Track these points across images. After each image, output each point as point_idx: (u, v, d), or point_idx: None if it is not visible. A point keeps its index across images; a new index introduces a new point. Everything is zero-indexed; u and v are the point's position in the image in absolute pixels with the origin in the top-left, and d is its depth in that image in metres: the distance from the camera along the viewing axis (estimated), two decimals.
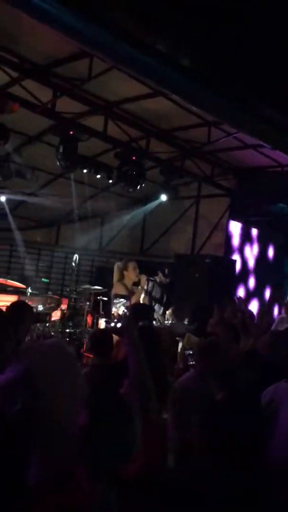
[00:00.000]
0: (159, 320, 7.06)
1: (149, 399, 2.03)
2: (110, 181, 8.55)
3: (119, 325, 1.95)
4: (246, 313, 6.16)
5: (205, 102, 4.52)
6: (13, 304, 3.88)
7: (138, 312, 4.68)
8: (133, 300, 6.11)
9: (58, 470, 2.20)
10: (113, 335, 4.21)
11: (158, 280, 7.25)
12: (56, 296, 9.14)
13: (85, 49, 5.23)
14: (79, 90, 6.85)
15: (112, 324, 1.89)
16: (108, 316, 6.30)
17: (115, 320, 1.86)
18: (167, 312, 7.50)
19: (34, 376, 2.29)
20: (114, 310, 1.88)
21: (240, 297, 6.80)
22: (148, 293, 7.09)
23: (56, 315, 8.15)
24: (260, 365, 4.58)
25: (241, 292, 10.25)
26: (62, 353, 2.58)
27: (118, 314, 1.86)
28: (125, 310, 1.89)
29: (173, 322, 7.31)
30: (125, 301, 1.90)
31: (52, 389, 2.34)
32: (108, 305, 7.89)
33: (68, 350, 2.71)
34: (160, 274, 7.35)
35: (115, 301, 1.96)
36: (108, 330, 2.89)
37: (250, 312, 6.37)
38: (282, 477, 2.75)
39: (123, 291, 6.05)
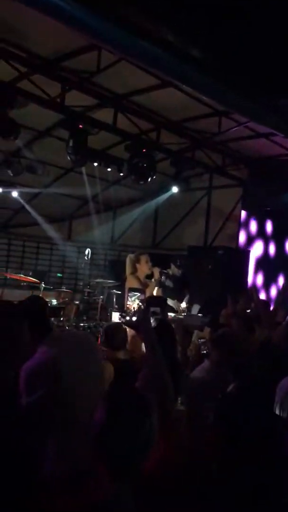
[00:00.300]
0: (173, 313, 7.05)
1: (166, 392, 2.03)
2: (121, 174, 8.51)
3: (134, 319, 1.95)
4: (260, 304, 6.13)
5: (215, 91, 4.46)
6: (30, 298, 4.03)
7: (153, 305, 4.66)
8: (147, 293, 6.10)
9: (75, 465, 2.21)
10: (127, 329, 4.22)
11: (171, 272, 7.21)
12: (69, 291, 9.18)
13: (93, 42, 5.19)
14: (88, 83, 6.81)
15: (128, 318, 1.89)
16: (122, 309, 6.30)
17: (130, 314, 1.85)
18: (181, 304, 7.48)
19: (58, 364, 2.32)
20: (129, 303, 1.87)
21: (253, 287, 6.75)
22: (161, 286, 7.07)
23: (70, 310, 8.19)
24: (274, 356, 4.55)
25: (255, 283, 10.18)
26: (88, 345, 2.60)
27: (133, 308, 1.85)
28: (140, 304, 1.88)
29: (187, 314, 7.30)
30: (139, 294, 1.89)
31: (74, 379, 2.35)
32: (121, 299, 7.89)
33: (94, 344, 2.72)
34: (172, 266, 7.31)
35: (129, 294, 1.94)
36: (123, 324, 2.87)
37: (264, 303, 6.34)
38: None
39: (136, 284, 6.04)
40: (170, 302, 7.42)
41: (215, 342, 3.59)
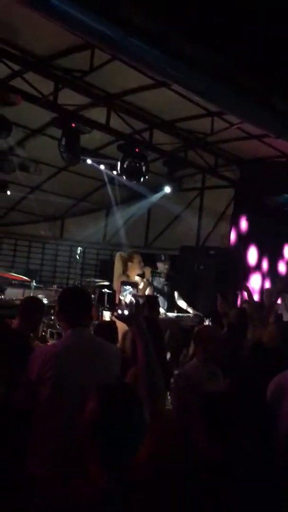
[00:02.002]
0: (164, 312, 7.06)
1: (156, 388, 2.04)
2: (114, 172, 8.51)
3: (126, 313, 1.96)
4: (253, 304, 6.16)
5: (207, 90, 4.48)
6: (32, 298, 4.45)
7: (152, 305, 4.70)
8: (139, 293, 6.10)
9: (66, 459, 2.22)
10: (119, 326, 4.23)
11: (159, 270, 7.20)
12: (61, 289, 9.15)
13: (87, 40, 5.19)
14: (81, 82, 6.81)
15: (120, 312, 1.89)
16: (113, 305, 6.24)
17: (122, 308, 1.84)
18: (179, 303, 7.50)
19: (59, 357, 2.36)
20: (121, 298, 1.86)
21: (246, 287, 6.77)
22: (151, 285, 7.07)
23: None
24: (266, 355, 4.58)
25: (248, 283, 10.21)
26: (92, 343, 2.63)
27: (125, 302, 1.85)
28: (132, 299, 1.88)
29: (179, 314, 7.31)
30: (131, 289, 1.90)
31: (70, 374, 2.38)
32: (113, 298, 7.88)
33: (99, 341, 2.74)
34: (159, 264, 7.27)
35: (124, 287, 1.94)
36: (114, 317, 2.88)
37: (258, 303, 6.37)
38: (285, 465, 2.75)
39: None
40: (180, 303, 7.45)
41: (195, 340, 3.62)
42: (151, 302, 4.74)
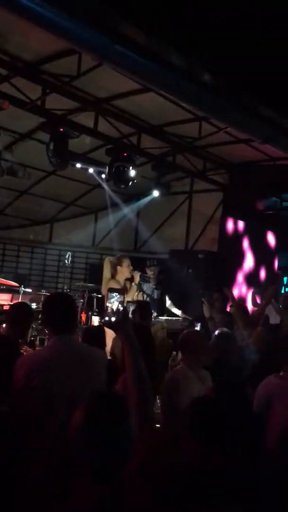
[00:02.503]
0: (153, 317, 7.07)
1: (146, 394, 2.04)
2: (103, 176, 8.50)
3: (113, 319, 1.96)
4: (236, 309, 6.20)
5: (193, 97, 4.51)
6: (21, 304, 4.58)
7: (144, 311, 4.69)
8: (128, 297, 6.09)
9: (58, 472, 2.21)
10: (108, 331, 4.23)
11: (147, 274, 7.22)
12: (49, 294, 9.10)
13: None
14: (69, 86, 6.82)
15: (107, 319, 1.89)
16: (101, 311, 6.22)
17: (110, 315, 1.84)
18: (168, 307, 7.52)
19: (44, 365, 2.36)
20: (108, 305, 1.86)
21: (228, 290, 6.82)
22: (141, 291, 7.08)
23: None
24: (253, 359, 4.61)
25: (230, 286, 10.26)
26: (78, 350, 2.62)
27: (112, 309, 1.84)
28: (119, 305, 1.88)
29: (168, 318, 7.33)
30: (119, 296, 1.89)
31: (57, 381, 2.38)
32: (102, 302, 7.86)
33: (85, 347, 2.73)
34: (147, 270, 7.28)
35: (112, 294, 1.94)
36: (102, 325, 2.88)
37: (241, 308, 6.42)
38: (275, 470, 2.76)
39: (116, 287, 6.03)
40: (169, 306, 7.48)
41: (180, 347, 3.64)
42: (143, 309, 4.74)
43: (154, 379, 2.98)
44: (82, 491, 1.57)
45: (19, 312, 3.79)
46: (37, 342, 6.29)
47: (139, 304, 4.96)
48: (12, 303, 7.15)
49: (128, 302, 5.06)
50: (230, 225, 10.53)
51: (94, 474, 1.57)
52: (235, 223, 10.62)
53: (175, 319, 7.44)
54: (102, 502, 1.52)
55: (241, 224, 10.73)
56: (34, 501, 2.01)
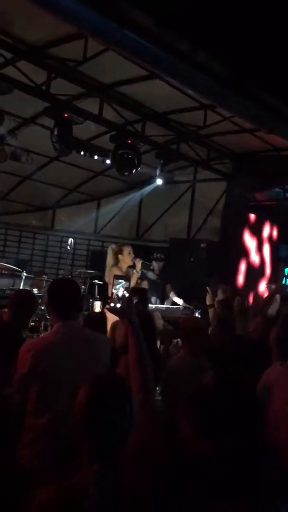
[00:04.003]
0: (153, 304, 7.11)
1: (147, 380, 2.07)
2: (108, 161, 8.47)
3: (118, 305, 1.99)
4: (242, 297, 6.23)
5: (200, 85, 4.48)
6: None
7: (139, 296, 4.72)
8: (131, 284, 6.12)
9: (57, 451, 2.24)
10: (108, 317, 4.25)
11: (152, 267, 7.27)
12: (51, 280, 9.13)
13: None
14: (74, 71, 6.77)
15: (112, 305, 1.91)
16: (106, 298, 6.25)
17: (115, 301, 1.86)
18: (170, 295, 7.56)
19: (49, 351, 2.38)
20: (114, 291, 1.87)
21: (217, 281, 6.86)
22: (143, 277, 7.11)
23: None
24: (253, 348, 4.63)
25: (238, 276, 10.28)
26: (82, 335, 2.65)
27: (117, 295, 1.87)
28: (125, 292, 1.90)
29: (169, 306, 7.38)
30: (124, 282, 1.90)
31: (62, 367, 2.41)
32: (103, 289, 7.89)
33: (89, 333, 2.77)
34: (153, 262, 7.35)
35: (117, 281, 1.94)
36: (107, 310, 2.91)
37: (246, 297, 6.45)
38: (275, 458, 2.79)
39: (120, 274, 6.06)
40: (171, 295, 7.52)
41: (180, 333, 3.66)
42: (140, 295, 4.76)
43: (155, 366, 3.00)
44: (83, 469, 1.61)
45: (21, 298, 3.82)
46: (42, 328, 6.34)
47: (135, 290, 4.99)
48: (15, 289, 7.19)
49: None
50: (232, 215, 10.50)
51: (95, 452, 1.62)
52: (238, 213, 10.59)
53: (176, 307, 7.47)
54: (101, 478, 1.56)
55: (243, 214, 10.70)
56: (36, 480, 2.05)
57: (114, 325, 3.89)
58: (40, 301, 6.81)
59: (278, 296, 6.94)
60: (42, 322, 6.48)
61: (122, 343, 3.00)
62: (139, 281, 6.80)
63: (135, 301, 3.93)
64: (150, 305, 6.82)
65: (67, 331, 2.60)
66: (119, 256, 6.29)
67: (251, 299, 6.49)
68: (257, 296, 7.51)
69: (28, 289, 7.09)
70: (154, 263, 7.30)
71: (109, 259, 6.31)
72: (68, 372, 2.44)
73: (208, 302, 6.41)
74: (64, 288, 2.79)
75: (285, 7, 3.80)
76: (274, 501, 2.18)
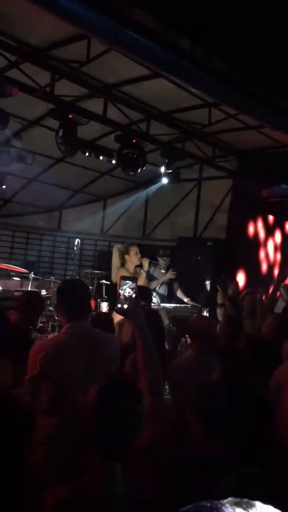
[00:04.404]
0: (158, 302, 7.11)
1: (156, 380, 2.07)
2: (113, 161, 8.47)
3: (125, 306, 2.00)
4: (256, 295, 6.19)
5: (205, 84, 4.47)
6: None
7: (143, 295, 4.71)
8: (138, 283, 6.11)
9: (69, 450, 2.25)
10: (114, 316, 4.26)
11: (158, 264, 7.27)
12: (58, 281, 9.17)
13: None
14: (78, 72, 6.78)
15: (119, 305, 1.92)
16: (110, 296, 6.25)
17: (122, 302, 1.86)
18: (177, 294, 7.55)
19: (60, 351, 2.39)
20: (121, 292, 1.87)
21: (225, 280, 6.83)
22: (150, 277, 7.11)
23: None
24: (264, 347, 4.61)
25: (242, 275, 10.25)
26: (92, 335, 2.66)
27: (125, 296, 1.87)
28: (132, 292, 1.90)
29: (177, 305, 7.36)
30: (131, 283, 1.90)
31: (72, 368, 2.41)
32: (110, 290, 7.91)
33: (99, 333, 2.78)
34: (159, 259, 7.34)
35: (125, 281, 1.94)
36: (114, 311, 2.91)
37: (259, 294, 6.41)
38: (285, 457, 2.78)
39: (127, 275, 6.05)
40: (179, 294, 7.51)
41: (188, 332, 3.65)
42: (143, 294, 4.76)
43: (163, 365, 3.00)
44: (92, 469, 1.61)
45: (30, 300, 3.85)
46: (49, 329, 6.36)
47: (139, 289, 4.98)
48: (23, 291, 7.22)
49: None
50: (239, 212, 10.48)
51: (106, 452, 1.62)
52: (244, 211, 10.56)
53: (183, 306, 7.46)
54: (110, 478, 1.56)
55: (250, 212, 10.66)
56: (48, 480, 2.05)
57: (120, 323, 3.90)
58: (48, 302, 6.84)
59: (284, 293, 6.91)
60: (50, 323, 6.51)
61: (128, 342, 3.01)
62: (147, 281, 6.80)
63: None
64: (156, 304, 6.83)
65: (77, 332, 2.61)
66: (126, 256, 6.29)
67: (258, 297, 6.44)
68: (266, 294, 7.46)
69: (36, 290, 7.13)
70: (160, 259, 7.30)
71: (115, 260, 6.29)
72: (79, 373, 2.45)
73: (219, 301, 6.39)
74: (74, 289, 2.80)
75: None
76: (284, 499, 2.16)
